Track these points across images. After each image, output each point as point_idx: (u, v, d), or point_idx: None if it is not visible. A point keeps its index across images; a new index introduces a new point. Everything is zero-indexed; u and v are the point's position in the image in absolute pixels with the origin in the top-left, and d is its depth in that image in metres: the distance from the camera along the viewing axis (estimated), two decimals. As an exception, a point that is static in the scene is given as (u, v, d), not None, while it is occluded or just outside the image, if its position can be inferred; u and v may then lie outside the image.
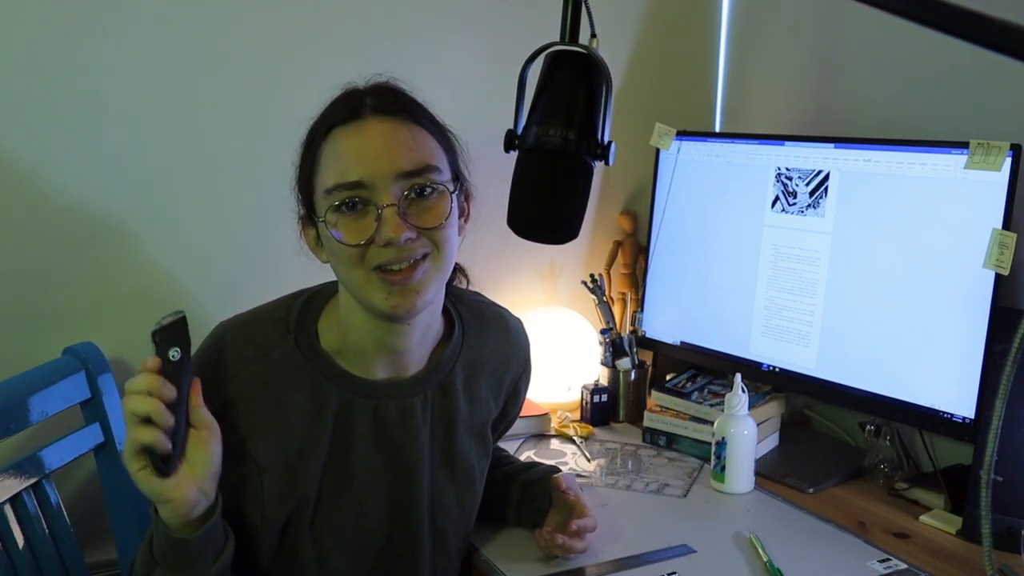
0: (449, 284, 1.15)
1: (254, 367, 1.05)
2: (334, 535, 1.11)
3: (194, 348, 0.98)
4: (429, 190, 1.03)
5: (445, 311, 1.18)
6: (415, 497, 1.13)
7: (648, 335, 1.82)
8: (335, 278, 1.10)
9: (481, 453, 1.23)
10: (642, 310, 1.83)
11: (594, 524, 1.23)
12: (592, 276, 1.85)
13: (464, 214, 1.13)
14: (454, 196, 1.06)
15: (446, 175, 1.06)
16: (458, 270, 1.22)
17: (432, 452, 1.15)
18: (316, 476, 1.08)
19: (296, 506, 1.08)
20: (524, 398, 1.34)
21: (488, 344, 1.22)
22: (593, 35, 0.90)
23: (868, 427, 1.52)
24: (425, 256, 1.03)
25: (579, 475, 1.51)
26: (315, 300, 1.12)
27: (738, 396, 1.46)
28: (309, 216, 1.08)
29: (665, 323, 1.80)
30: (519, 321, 1.30)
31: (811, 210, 1.54)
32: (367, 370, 1.10)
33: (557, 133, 0.87)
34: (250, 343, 1.07)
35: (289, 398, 1.06)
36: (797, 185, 1.56)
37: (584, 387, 1.79)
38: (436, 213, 1.03)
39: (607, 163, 0.88)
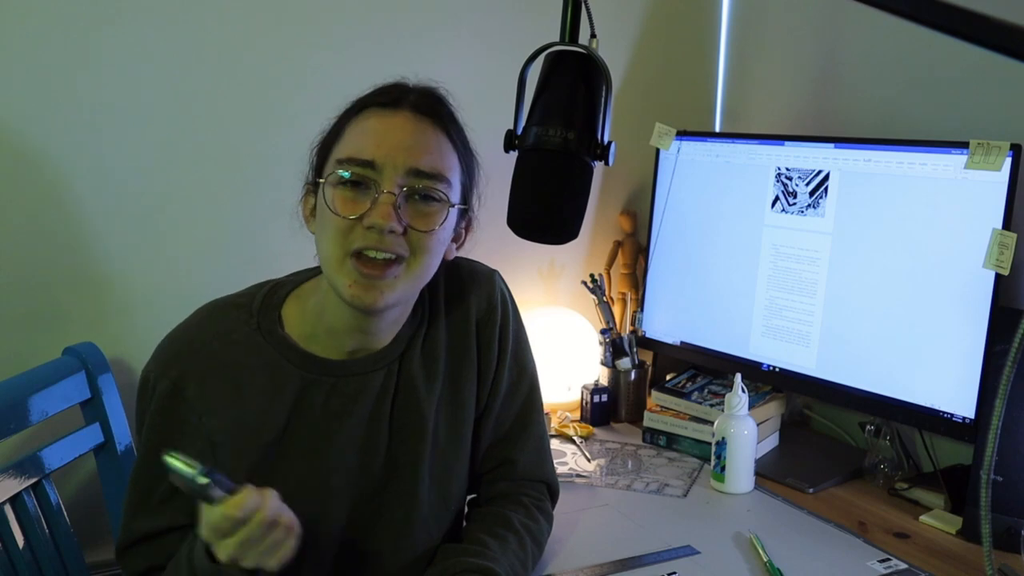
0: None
1: (215, 344, 1.07)
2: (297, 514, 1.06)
3: None
4: (431, 200, 1.04)
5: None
6: (380, 473, 1.12)
7: (648, 335, 1.82)
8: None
9: (459, 415, 1.17)
10: (642, 310, 1.83)
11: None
12: (592, 276, 1.85)
13: (459, 240, 1.14)
14: (452, 212, 1.06)
15: (455, 194, 1.06)
16: None
17: (400, 423, 1.13)
18: (271, 455, 1.08)
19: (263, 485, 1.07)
20: (518, 351, 1.22)
21: (449, 296, 1.19)
22: (593, 35, 0.90)
23: (868, 427, 1.52)
24: (400, 259, 1.02)
25: (579, 475, 1.51)
26: (279, 290, 1.13)
27: (738, 396, 1.46)
28: (315, 182, 1.09)
29: (665, 323, 1.80)
30: (486, 268, 1.24)
31: (811, 210, 1.54)
32: (334, 350, 1.10)
33: (557, 133, 0.87)
34: (213, 324, 1.09)
35: (247, 378, 1.07)
36: (797, 185, 1.56)
37: (584, 387, 1.79)
38: (429, 220, 1.03)
39: (607, 163, 0.88)
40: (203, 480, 0.89)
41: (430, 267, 1.07)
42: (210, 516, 0.91)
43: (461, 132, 1.10)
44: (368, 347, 1.11)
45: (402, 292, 1.05)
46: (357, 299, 1.01)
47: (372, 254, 1.01)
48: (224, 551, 0.92)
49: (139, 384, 1.08)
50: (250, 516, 0.91)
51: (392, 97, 1.06)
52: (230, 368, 1.07)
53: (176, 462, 0.89)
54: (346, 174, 1.02)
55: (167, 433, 1.05)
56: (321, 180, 1.05)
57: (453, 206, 1.06)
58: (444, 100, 1.10)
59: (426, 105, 1.07)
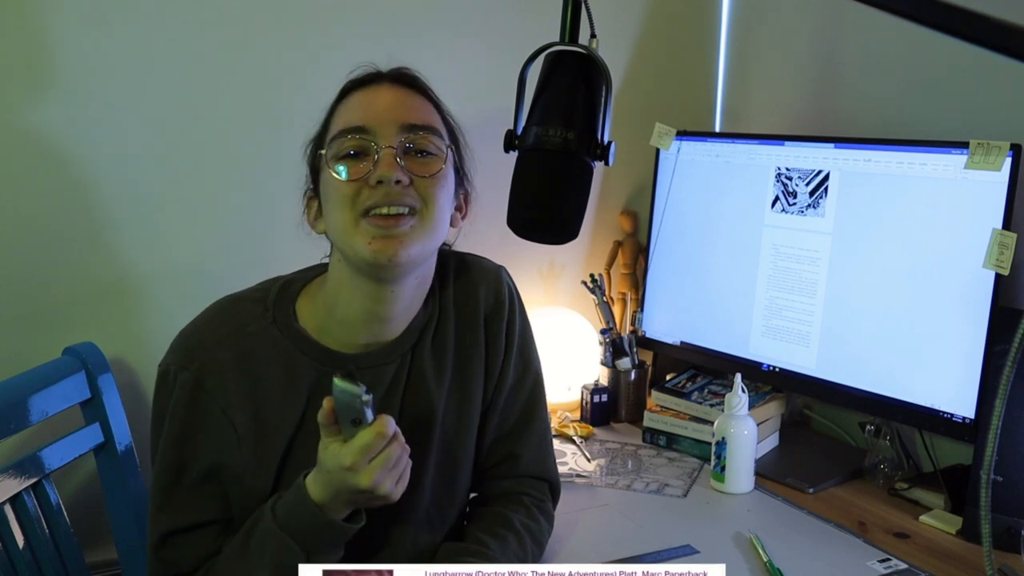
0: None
1: (231, 339, 1.08)
2: None
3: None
4: (428, 153, 1.06)
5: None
6: None
7: (648, 335, 1.82)
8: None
9: (466, 408, 1.17)
10: (642, 310, 1.83)
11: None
12: (592, 276, 1.85)
13: (462, 211, 1.15)
14: (450, 166, 1.08)
15: (448, 150, 1.09)
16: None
17: (409, 414, 1.13)
18: (287, 448, 1.08)
19: (274, 477, 1.08)
20: (523, 346, 1.23)
21: (458, 290, 1.20)
22: (593, 35, 0.90)
23: (868, 427, 1.52)
24: (413, 211, 1.03)
25: (579, 475, 1.51)
26: (293, 284, 1.15)
27: (738, 396, 1.46)
28: (315, 186, 1.11)
29: (665, 323, 1.80)
30: (494, 264, 1.25)
31: (811, 210, 1.54)
32: (347, 342, 1.11)
33: (557, 133, 0.87)
34: (229, 318, 1.11)
35: (263, 371, 1.08)
36: (797, 185, 1.56)
37: (584, 387, 1.79)
38: (431, 166, 1.06)
39: (607, 163, 0.88)
40: (367, 397, 0.94)
41: (442, 221, 1.08)
42: (362, 438, 0.95)
43: (439, 102, 1.13)
44: (380, 339, 1.12)
45: (420, 247, 1.05)
46: (380, 253, 1.01)
47: (384, 211, 1.02)
48: (368, 476, 0.95)
49: (157, 378, 1.08)
50: (395, 433, 0.97)
51: (370, 76, 1.10)
52: (247, 361, 1.08)
53: (343, 382, 0.94)
54: (342, 149, 1.04)
55: (191, 424, 1.06)
56: (324, 163, 1.07)
57: (450, 147, 1.09)
58: (418, 76, 1.13)
59: (403, 76, 1.11)
